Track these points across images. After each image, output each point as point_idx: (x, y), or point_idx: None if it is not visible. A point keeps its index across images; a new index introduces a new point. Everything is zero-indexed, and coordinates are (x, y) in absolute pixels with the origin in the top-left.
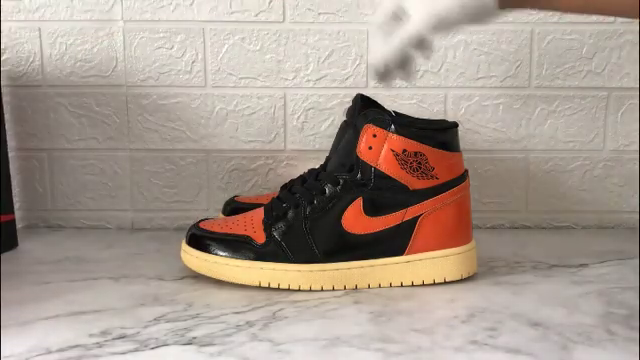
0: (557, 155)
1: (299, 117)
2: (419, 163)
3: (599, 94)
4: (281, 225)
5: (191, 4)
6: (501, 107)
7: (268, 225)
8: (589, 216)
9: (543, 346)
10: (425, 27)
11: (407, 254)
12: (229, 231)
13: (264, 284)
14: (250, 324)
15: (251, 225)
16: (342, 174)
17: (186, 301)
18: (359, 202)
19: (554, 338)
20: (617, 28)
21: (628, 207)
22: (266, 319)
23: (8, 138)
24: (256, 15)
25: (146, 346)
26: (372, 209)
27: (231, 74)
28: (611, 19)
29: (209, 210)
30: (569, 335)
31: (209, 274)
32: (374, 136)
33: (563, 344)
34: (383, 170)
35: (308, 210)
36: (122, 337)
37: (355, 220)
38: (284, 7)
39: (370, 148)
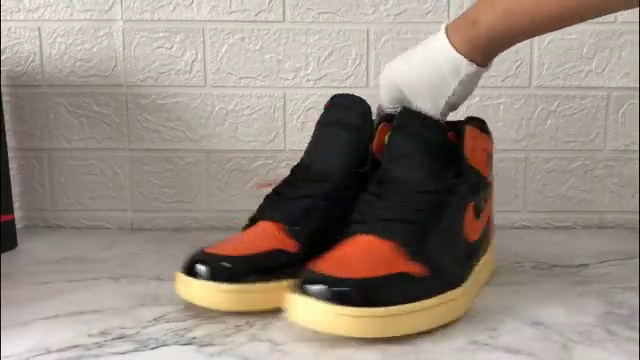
0: (557, 155)
1: (299, 117)
2: (490, 163)
3: (599, 94)
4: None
5: (191, 4)
6: (501, 107)
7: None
8: (589, 216)
9: (543, 346)
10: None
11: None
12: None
13: None
14: (250, 324)
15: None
16: (448, 180)
17: (186, 301)
18: (472, 207)
19: (554, 338)
20: (617, 28)
21: (628, 207)
22: (266, 319)
23: (8, 138)
24: (256, 15)
25: (146, 346)
26: (477, 212)
27: (231, 74)
28: (611, 19)
29: (208, 210)
30: (569, 335)
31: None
32: (473, 138)
33: (563, 344)
34: (482, 172)
35: (442, 223)
36: (122, 337)
37: (472, 225)
38: (284, 7)
39: (473, 151)
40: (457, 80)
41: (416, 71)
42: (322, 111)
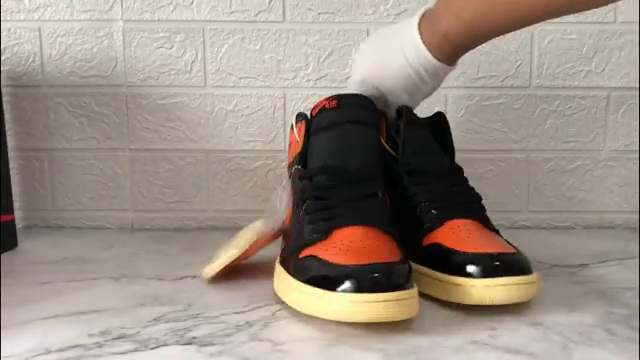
0: (557, 155)
1: None
2: None
3: (599, 94)
4: None
5: (191, 4)
6: (501, 107)
7: None
8: (589, 216)
9: (543, 346)
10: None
11: None
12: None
13: None
14: (250, 324)
15: None
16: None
17: (186, 301)
18: None
19: (554, 338)
20: (617, 28)
21: (628, 207)
22: (266, 319)
23: (8, 138)
24: (256, 15)
25: (146, 346)
26: None
27: (231, 74)
28: (611, 20)
29: (208, 210)
30: (569, 335)
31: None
32: None
33: (563, 344)
34: None
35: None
36: (122, 337)
37: None
38: (284, 7)
39: None
40: (435, 80)
41: (383, 62)
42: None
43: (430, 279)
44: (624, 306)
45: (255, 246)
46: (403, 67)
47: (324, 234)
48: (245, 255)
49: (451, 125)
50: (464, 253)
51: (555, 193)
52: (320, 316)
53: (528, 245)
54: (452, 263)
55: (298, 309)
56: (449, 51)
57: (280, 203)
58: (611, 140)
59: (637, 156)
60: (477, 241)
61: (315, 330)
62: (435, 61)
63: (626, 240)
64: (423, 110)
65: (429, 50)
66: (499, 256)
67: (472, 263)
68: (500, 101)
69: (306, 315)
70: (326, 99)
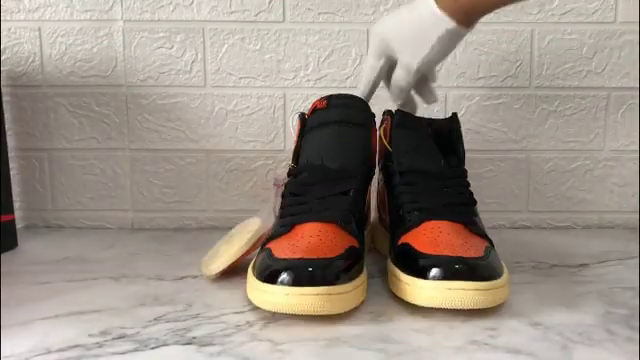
0: (557, 155)
1: None
2: None
3: (599, 94)
4: None
5: (191, 4)
6: (501, 107)
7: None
8: (589, 216)
9: (543, 346)
10: (413, 76)
11: None
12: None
13: None
14: (250, 324)
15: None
16: (459, 167)
17: (186, 301)
18: None
19: (554, 338)
20: (617, 28)
21: (628, 207)
22: (266, 319)
23: (8, 138)
24: (256, 15)
25: (146, 346)
26: None
27: (231, 74)
28: (611, 20)
29: (208, 210)
30: (569, 335)
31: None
32: None
33: (563, 344)
34: None
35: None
36: (122, 337)
37: None
38: (284, 7)
39: None
40: (436, 35)
41: (400, 23)
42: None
43: (394, 278)
44: (624, 306)
45: (258, 243)
46: (406, 15)
47: (286, 228)
48: (248, 252)
49: None
50: (427, 255)
51: (555, 193)
52: (263, 308)
53: (528, 245)
54: (414, 264)
55: (256, 304)
56: (458, 3)
57: (276, 200)
58: (611, 140)
59: (637, 156)
60: (445, 244)
61: (315, 330)
62: (437, 9)
63: (626, 240)
64: (423, 110)
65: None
66: (461, 260)
67: (433, 265)
68: (500, 101)
69: (306, 315)
70: (319, 99)
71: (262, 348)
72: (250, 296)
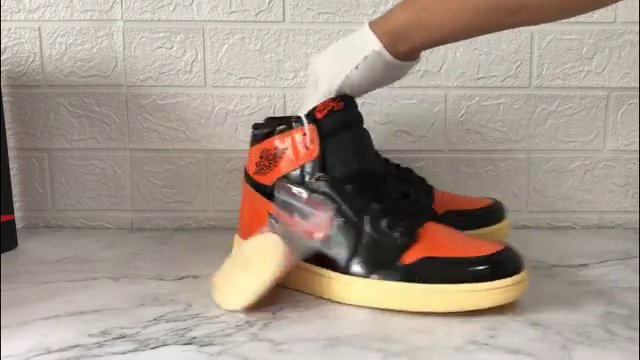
0: (557, 155)
1: None
2: None
3: (599, 94)
4: None
5: (191, 4)
6: (501, 107)
7: None
8: (589, 216)
9: (543, 346)
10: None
11: None
12: None
13: None
14: (250, 324)
15: None
16: None
17: (186, 301)
18: None
19: (554, 338)
20: (617, 28)
21: (628, 207)
22: (266, 319)
23: (8, 138)
24: (256, 15)
25: (146, 346)
26: None
27: (231, 74)
28: (611, 20)
29: (208, 210)
30: (569, 335)
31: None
32: None
33: (563, 344)
34: None
35: None
36: (122, 337)
37: None
38: (284, 7)
39: None
40: (363, 54)
41: (332, 50)
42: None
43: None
44: (624, 306)
45: (284, 271)
46: (343, 39)
47: (412, 235)
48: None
49: (451, 125)
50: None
51: (555, 193)
52: (494, 304)
53: (528, 245)
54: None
55: (460, 309)
56: (391, 25)
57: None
58: (611, 140)
59: (637, 156)
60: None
61: (315, 330)
62: (369, 31)
63: (626, 240)
64: (424, 110)
65: (369, 22)
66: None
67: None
68: (500, 101)
69: (306, 315)
70: (330, 100)
71: (262, 348)
72: (473, 303)
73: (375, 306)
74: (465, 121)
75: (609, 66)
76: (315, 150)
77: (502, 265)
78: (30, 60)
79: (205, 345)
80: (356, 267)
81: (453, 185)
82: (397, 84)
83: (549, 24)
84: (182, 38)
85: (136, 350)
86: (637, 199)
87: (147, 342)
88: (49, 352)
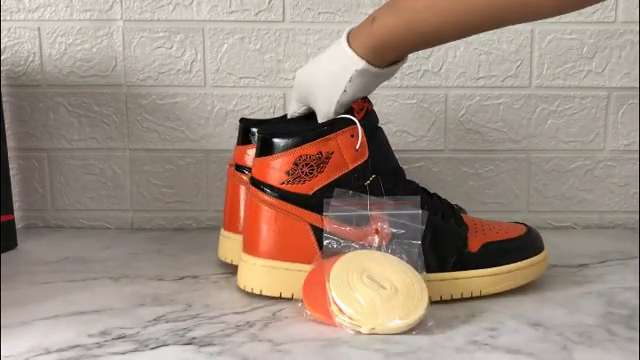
0: (558, 155)
1: None
2: None
3: (599, 94)
4: None
5: (190, 4)
6: (502, 107)
7: None
8: (589, 216)
9: (543, 346)
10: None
11: None
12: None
13: None
14: (250, 324)
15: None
16: None
17: (186, 301)
18: None
19: (554, 338)
20: (617, 28)
21: (628, 207)
22: (266, 319)
23: (8, 138)
24: (256, 14)
25: (146, 346)
26: None
27: (230, 74)
28: (611, 20)
29: (208, 210)
30: (569, 335)
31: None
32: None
33: (563, 344)
34: None
35: None
36: (122, 337)
37: None
38: (284, 7)
39: None
40: (348, 76)
41: (316, 68)
42: None
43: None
44: (624, 306)
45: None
46: (321, 59)
47: (464, 224)
48: None
49: (451, 125)
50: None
51: (555, 193)
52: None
53: None
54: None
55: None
56: (372, 38)
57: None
58: (611, 140)
59: (637, 156)
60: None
61: (315, 330)
62: (349, 49)
63: (626, 240)
64: (424, 110)
65: (348, 38)
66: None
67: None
68: (500, 101)
69: (306, 315)
70: (363, 101)
71: (262, 348)
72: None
73: (454, 297)
74: (465, 121)
75: (609, 66)
76: (365, 152)
77: (538, 241)
78: (30, 60)
79: (205, 345)
80: (431, 262)
81: (453, 185)
82: (397, 84)
83: (549, 24)
84: (182, 38)
85: (136, 350)
86: (637, 199)
87: (147, 342)
88: (49, 352)
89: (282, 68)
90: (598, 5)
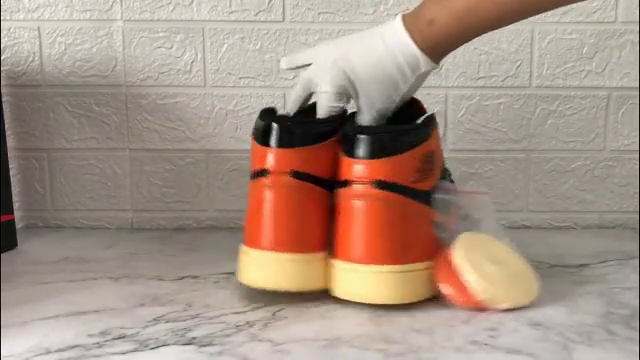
0: (558, 155)
1: None
2: None
3: (599, 94)
4: None
5: (190, 4)
6: (502, 107)
7: None
8: (589, 216)
9: (543, 346)
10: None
11: None
12: None
13: None
14: (250, 324)
15: None
16: None
17: (186, 301)
18: None
19: (554, 338)
20: (618, 28)
21: (628, 207)
22: (266, 319)
23: (8, 138)
24: (256, 14)
25: (146, 346)
26: None
27: (231, 74)
28: (611, 19)
29: (208, 210)
30: (569, 335)
31: None
32: None
33: (563, 344)
34: None
35: None
36: (122, 337)
37: None
38: (284, 7)
39: None
40: (415, 75)
41: (376, 62)
42: None
43: None
44: (624, 306)
45: None
46: (381, 54)
47: None
48: None
49: (451, 125)
50: None
51: (555, 193)
52: None
53: (528, 245)
54: None
55: None
56: (433, 41)
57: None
58: (611, 140)
59: (637, 156)
60: None
61: (315, 330)
62: (417, 50)
63: (626, 240)
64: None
65: (412, 37)
66: None
67: None
68: (500, 101)
69: (306, 315)
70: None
71: (262, 348)
72: None
73: None
74: (465, 121)
75: (609, 66)
76: (441, 144)
77: None
78: (29, 60)
79: (205, 345)
80: None
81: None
82: None
83: (549, 24)
84: (182, 38)
85: (136, 350)
86: (637, 199)
87: (147, 342)
88: (49, 352)
89: (282, 68)
90: (599, 4)
